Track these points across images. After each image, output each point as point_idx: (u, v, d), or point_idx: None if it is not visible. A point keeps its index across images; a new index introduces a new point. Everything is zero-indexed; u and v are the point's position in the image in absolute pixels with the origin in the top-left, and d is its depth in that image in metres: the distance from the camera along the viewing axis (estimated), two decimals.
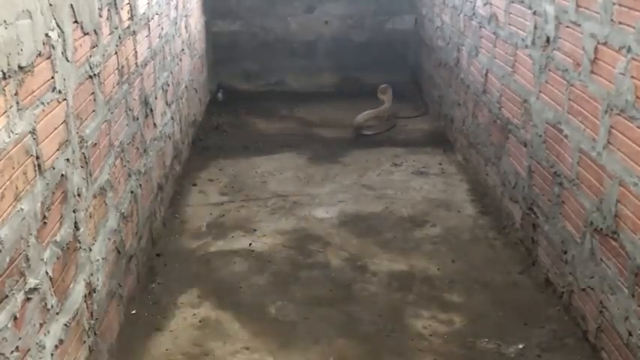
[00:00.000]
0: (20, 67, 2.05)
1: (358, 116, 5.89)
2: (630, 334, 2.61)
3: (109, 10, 3.07)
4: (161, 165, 4.23)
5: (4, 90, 1.94)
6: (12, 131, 1.99)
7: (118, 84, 3.21)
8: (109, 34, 3.08)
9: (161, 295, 3.49)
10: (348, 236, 4.11)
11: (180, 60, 5.05)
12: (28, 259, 2.08)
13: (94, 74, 2.82)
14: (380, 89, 6.10)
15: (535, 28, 3.56)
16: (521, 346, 3.07)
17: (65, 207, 2.43)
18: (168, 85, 4.53)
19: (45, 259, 2.23)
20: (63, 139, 2.42)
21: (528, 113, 3.71)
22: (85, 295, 2.63)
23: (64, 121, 2.44)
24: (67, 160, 2.46)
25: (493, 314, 3.33)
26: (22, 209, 2.05)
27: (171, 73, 4.66)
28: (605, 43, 2.78)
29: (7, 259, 1.93)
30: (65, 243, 2.42)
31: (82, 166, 2.63)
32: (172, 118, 4.65)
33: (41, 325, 2.19)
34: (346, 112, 6.40)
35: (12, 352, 1.95)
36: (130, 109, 3.43)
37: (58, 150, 2.37)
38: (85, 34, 2.71)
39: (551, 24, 3.35)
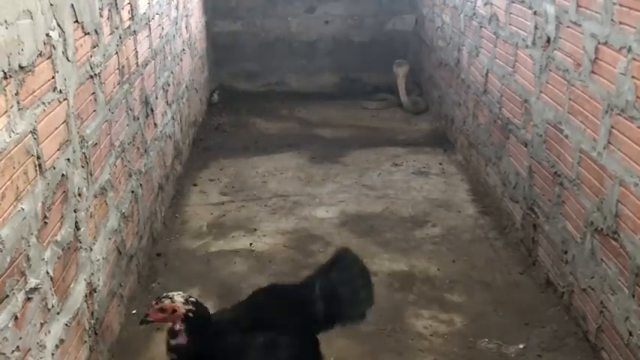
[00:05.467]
0: (21, 67, 2.05)
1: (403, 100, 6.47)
2: (631, 334, 2.61)
3: (109, 10, 3.07)
4: (162, 165, 4.23)
5: (5, 90, 1.94)
6: (13, 131, 1.99)
7: (118, 84, 3.21)
8: (110, 34, 3.08)
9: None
10: (349, 236, 4.11)
11: (181, 60, 5.05)
12: (28, 259, 2.08)
13: (95, 74, 2.82)
14: (396, 63, 6.57)
15: (536, 28, 3.56)
16: (521, 346, 3.07)
17: (66, 207, 2.43)
18: (169, 85, 4.53)
19: (46, 259, 2.23)
20: (64, 139, 2.43)
21: (529, 113, 3.71)
22: (86, 295, 2.63)
23: (65, 121, 2.44)
24: (68, 159, 2.46)
25: (493, 314, 3.32)
26: (22, 209, 2.05)
27: (172, 73, 4.66)
28: (605, 43, 2.78)
29: (8, 259, 1.94)
30: (66, 243, 2.42)
31: (82, 166, 2.63)
32: (173, 118, 4.65)
33: (42, 324, 2.19)
34: (346, 112, 6.42)
35: (13, 351, 1.95)
36: (130, 109, 3.43)
37: (58, 150, 2.37)
38: (86, 33, 2.72)
39: (551, 24, 3.35)
